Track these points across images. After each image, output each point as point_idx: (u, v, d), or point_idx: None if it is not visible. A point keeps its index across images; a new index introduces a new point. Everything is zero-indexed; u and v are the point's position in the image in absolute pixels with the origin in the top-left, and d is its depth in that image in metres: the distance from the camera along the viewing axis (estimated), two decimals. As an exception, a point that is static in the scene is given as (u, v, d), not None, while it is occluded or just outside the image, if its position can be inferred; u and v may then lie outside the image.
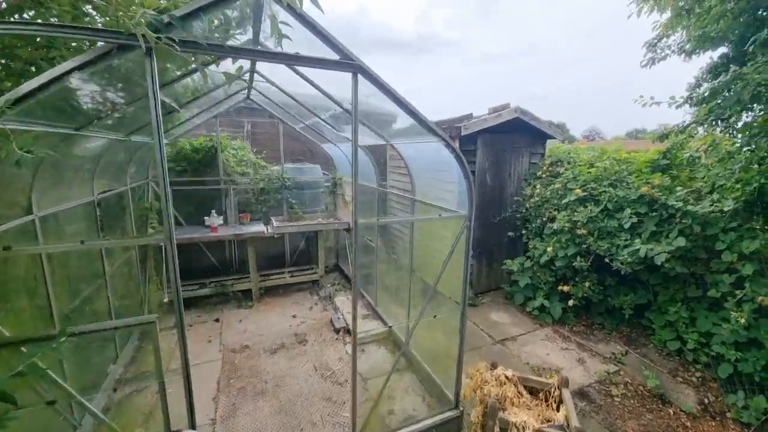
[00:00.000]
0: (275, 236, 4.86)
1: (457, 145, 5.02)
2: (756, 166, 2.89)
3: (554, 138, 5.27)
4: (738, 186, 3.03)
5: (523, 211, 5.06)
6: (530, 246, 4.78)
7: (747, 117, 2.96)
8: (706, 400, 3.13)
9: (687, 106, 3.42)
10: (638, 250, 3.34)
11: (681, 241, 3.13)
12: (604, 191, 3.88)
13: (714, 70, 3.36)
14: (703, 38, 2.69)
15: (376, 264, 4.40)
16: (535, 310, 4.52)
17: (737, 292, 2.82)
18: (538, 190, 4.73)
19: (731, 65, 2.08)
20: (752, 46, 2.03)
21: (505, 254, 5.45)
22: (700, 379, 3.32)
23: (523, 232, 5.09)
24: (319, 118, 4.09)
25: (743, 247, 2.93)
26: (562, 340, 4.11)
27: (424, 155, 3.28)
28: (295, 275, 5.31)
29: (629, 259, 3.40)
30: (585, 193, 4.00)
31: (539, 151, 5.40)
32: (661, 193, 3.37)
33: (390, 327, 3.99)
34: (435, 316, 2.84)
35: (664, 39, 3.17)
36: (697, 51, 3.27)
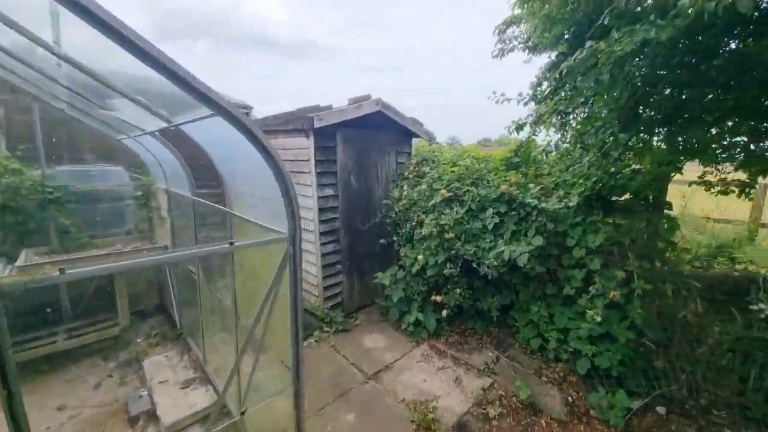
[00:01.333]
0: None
1: (312, 140, 4.20)
2: (595, 159, 2.95)
3: (420, 136, 4.98)
4: (581, 181, 3.05)
5: (393, 215, 4.57)
6: (401, 254, 4.30)
7: (584, 112, 3.02)
8: (570, 399, 3.07)
9: (533, 103, 3.38)
10: (502, 252, 3.10)
11: (539, 240, 2.99)
12: (468, 191, 3.63)
13: (553, 68, 3.44)
14: (549, 20, 2.54)
15: (200, 304, 3.13)
16: (411, 326, 4.04)
17: (590, 288, 2.78)
18: (405, 192, 4.29)
19: (588, 42, 1.84)
20: (606, 18, 1.83)
21: (379, 264, 4.88)
22: (561, 375, 3.30)
23: (395, 238, 4.60)
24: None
25: (589, 242, 2.95)
26: (439, 357, 3.69)
27: (230, 143, 2.26)
28: (76, 335, 3.48)
29: (495, 263, 3.15)
30: (450, 194, 3.69)
31: (406, 150, 5.04)
32: (518, 191, 3.23)
33: (220, 398, 2.81)
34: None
35: (513, 27, 3.05)
36: (541, 48, 3.25)
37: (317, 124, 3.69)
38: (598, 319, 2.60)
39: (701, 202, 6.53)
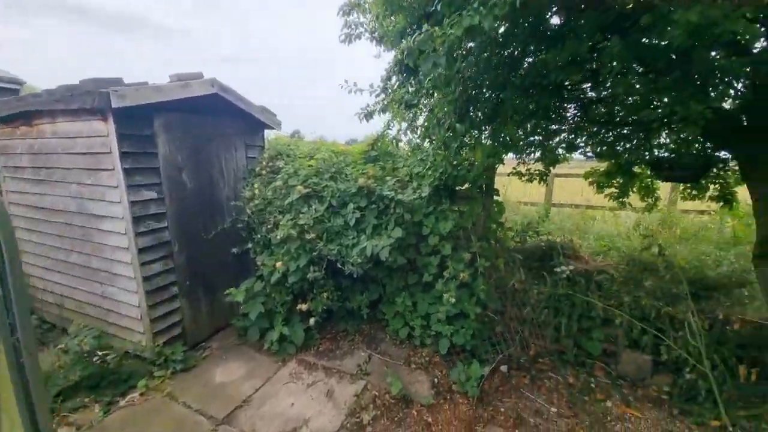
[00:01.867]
0: None
1: (112, 125, 3.02)
2: (440, 151, 3.12)
3: (272, 128, 4.44)
4: (429, 173, 3.19)
5: (246, 218, 3.92)
6: (259, 263, 3.71)
7: (429, 105, 3.16)
8: (435, 380, 3.21)
9: (383, 95, 3.37)
10: (365, 248, 2.96)
11: (398, 232, 2.98)
12: (327, 186, 3.36)
13: (399, 63, 3.51)
14: (389, 4, 2.49)
15: None
16: (275, 344, 3.52)
17: (444, 273, 2.93)
18: (257, 191, 3.71)
19: (425, 26, 1.80)
20: (439, 5, 1.83)
21: (234, 277, 4.12)
22: (428, 359, 3.43)
23: (250, 245, 3.95)
24: None
25: (441, 229, 3.11)
26: (308, 372, 3.33)
27: None
28: None
29: (359, 260, 2.99)
30: (308, 190, 3.35)
31: (258, 143, 4.41)
32: (376, 184, 3.15)
33: None
34: None
35: (357, 13, 2.92)
36: (387, 41, 3.23)
37: (117, 103, 2.72)
38: (453, 300, 2.76)
39: (515, 189, 8.24)
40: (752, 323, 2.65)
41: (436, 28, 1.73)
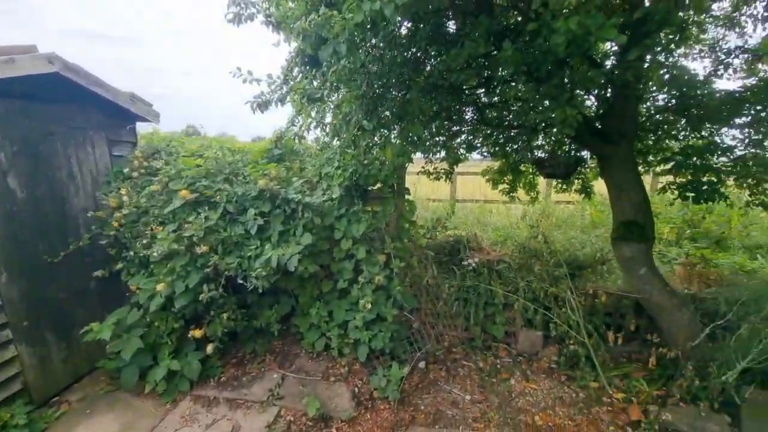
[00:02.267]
0: None
1: None
2: (349, 150, 2.96)
3: (146, 119, 3.66)
4: (339, 172, 3.01)
5: (112, 232, 3.13)
6: (134, 287, 3.01)
7: (336, 101, 2.96)
8: (356, 389, 3.06)
9: (285, 88, 3.05)
10: (270, 258, 2.63)
11: (308, 238, 2.72)
12: (221, 189, 2.88)
13: (300, 53, 3.23)
14: None
15: None
16: (161, 384, 2.90)
17: (360, 278, 2.79)
18: (126, 198, 2.99)
19: (322, 9, 1.60)
20: None
21: (100, 309, 3.29)
22: (347, 369, 3.26)
23: (121, 266, 3.18)
24: None
25: (354, 232, 2.96)
26: (207, 409, 2.83)
27: None
28: None
29: (264, 272, 2.63)
30: (196, 195, 2.82)
31: (127, 138, 3.59)
32: (280, 186, 2.83)
33: None
34: None
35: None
36: (286, 27, 2.91)
37: None
38: (369, 306, 2.64)
39: (424, 187, 8.68)
40: (614, 294, 3.20)
41: (335, 12, 1.56)
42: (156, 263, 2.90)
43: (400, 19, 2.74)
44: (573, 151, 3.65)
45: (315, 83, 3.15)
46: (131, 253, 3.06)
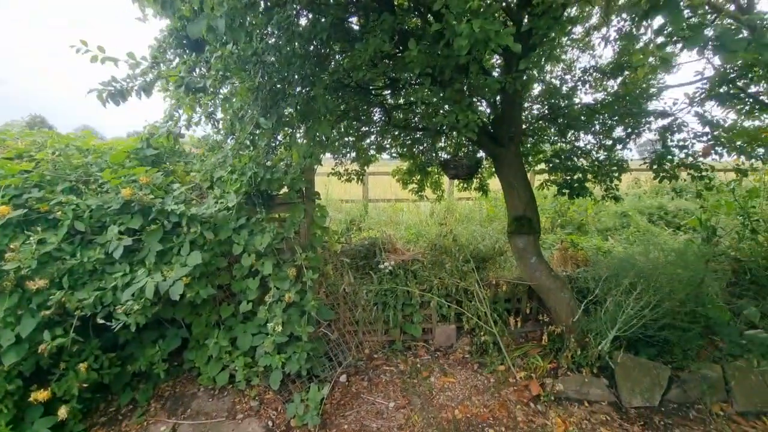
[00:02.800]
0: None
1: None
2: (245, 152, 2.56)
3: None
4: (236, 176, 2.59)
5: None
6: None
7: (227, 88, 2.51)
8: (270, 423, 2.70)
9: (153, 73, 2.47)
10: (144, 287, 2.09)
11: (197, 258, 2.26)
12: (62, 202, 2.16)
13: (176, 34, 2.66)
14: None
15: None
16: (-21, 478, 2.06)
17: (267, 297, 2.43)
18: None
19: None
20: None
21: None
22: (258, 400, 2.86)
23: None
24: None
25: (257, 244, 2.59)
26: (62, 497, 2.12)
27: None
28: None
29: (137, 306, 2.08)
30: (22, 211, 2.06)
31: None
32: (153, 196, 2.27)
33: None
34: None
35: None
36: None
37: None
38: (279, 329, 2.32)
39: (336, 188, 8.46)
40: (511, 283, 3.54)
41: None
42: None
43: (297, 6, 2.47)
44: (471, 153, 3.92)
45: (197, 71, 2.66)
46: None
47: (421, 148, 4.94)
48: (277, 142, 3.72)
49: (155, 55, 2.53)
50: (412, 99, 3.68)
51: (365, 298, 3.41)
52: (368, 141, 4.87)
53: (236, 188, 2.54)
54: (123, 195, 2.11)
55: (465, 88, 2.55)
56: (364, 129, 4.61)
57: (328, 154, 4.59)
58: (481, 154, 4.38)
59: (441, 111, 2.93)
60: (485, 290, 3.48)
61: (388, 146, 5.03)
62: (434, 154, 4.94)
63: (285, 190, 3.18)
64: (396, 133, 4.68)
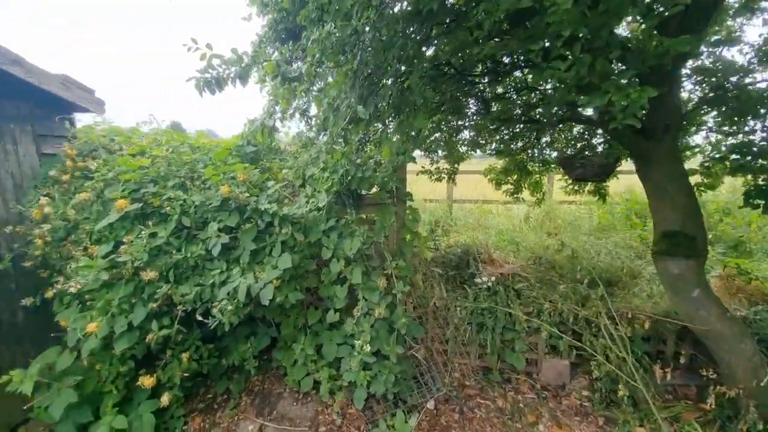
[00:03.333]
0: None
1: None
2: (338, 147, 2.34)
3: (87, 110, 2.98)
4: (327, 175, 2.40)
5: (39, 252, 2.46)
6: (63, 323, 2.34)
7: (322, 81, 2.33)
8: (351, 442, 2.48)
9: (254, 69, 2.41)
10: (237, 288, 2.01)
11: (287, 261, 2.12)
12: (172, 198, 2.23)
13: (275, 24, 2.60)
14: None
15: None
16: (100, 448, 2.25)
17: (355, 311, 2.19)
18: (49, 208, 2.32)
19: None
20: None
21: (33, 346, 2.63)
22: (341, 416, 2.67)
23: (52, 294, 2.50)
24: None
25: (347, 249, 2.36)
26: (161, 483, 2.20)
27: None
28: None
29: (230, 306, 2.01)
30: (139, 204, 2.16)
31: (60, 133, 2.89)
32: (249, 194, 2.20)
33: None
34: None
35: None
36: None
37: None
38: (368, 348, 2.04)
39: (420, 187, 8.12)
40: (654, 318, 2.70)
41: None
42: (95, 290, 2.24)
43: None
44: (608, 149, 3.12)
45: (295, 66, 2.54)
46: (61, 278, 2.39)
47: (520, 144, 4.27)
48: (368, 138, 3.51)
49: (256, 49, 2.48)
50: (538, 81, 3.07)
51: (458, 316, 2.97)
52: (461, 136, 4.39)
53: (327, 187, 2.35)
54: (221, 193, 2.08)
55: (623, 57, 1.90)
56: (457, 123, 4.15)
57: (417, 151, 4.26)
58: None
59: (574, 93, 2.29)
60: (620, 325, 2.72)
61: (482, 142, 4.46)
62: (536, 151, 4.23)
63: (375, 189, 2.93)
64: (493, 126, 4.10)
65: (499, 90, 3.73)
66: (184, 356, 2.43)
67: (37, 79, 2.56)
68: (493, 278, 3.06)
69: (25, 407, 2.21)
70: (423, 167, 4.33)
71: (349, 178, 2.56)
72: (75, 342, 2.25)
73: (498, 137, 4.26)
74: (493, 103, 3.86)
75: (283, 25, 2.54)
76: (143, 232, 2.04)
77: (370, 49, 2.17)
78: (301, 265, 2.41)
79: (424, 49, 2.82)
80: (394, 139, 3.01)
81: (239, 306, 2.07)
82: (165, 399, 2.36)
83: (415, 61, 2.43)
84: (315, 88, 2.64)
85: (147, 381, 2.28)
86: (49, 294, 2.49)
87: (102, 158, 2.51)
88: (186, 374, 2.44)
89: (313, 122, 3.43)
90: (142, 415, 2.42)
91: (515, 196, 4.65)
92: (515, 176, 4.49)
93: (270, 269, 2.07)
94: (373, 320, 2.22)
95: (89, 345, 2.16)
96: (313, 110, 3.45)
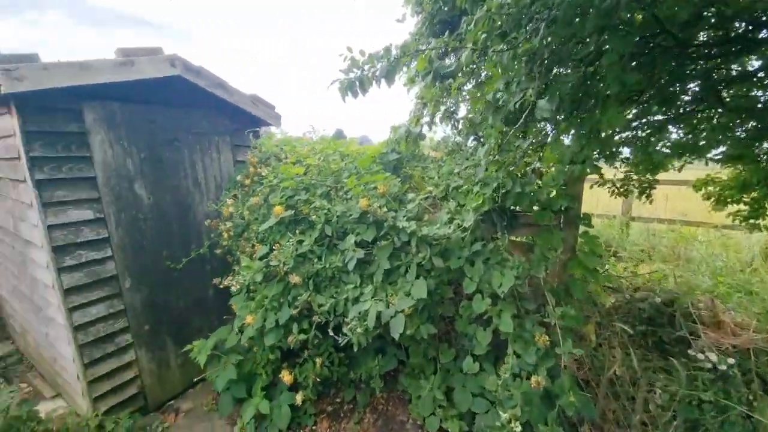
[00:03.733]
0: None
1: (15, 119, 1.66)
2: (494, 155, 1.88)
3: (268, 123, 3.47)
4: (477, 189, 1.96)
5: (224, 243, 2.96)
6: (234, 308, 2.73)
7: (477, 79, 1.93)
8: None
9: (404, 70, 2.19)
10: (367, 312, 1.83)
11: (422, 289, 1.81)
12: (318, 207, 2.26)
13: (431, 20, 2.34)
14: None
15: None
16: (249, 426, 2.51)
17: (502, 371, 1.69)
18: (232, 208, 2.73)
19: None
20: None
21: (218, 318, 3.24)
22: (467, 478, 2.21)
23: (232, 280, 2.98)
24: None
25: (494, 284, 1.87)
26: (288, 481, 2.28)
27: None
28: None
29: (359, 329, 1.85)
30: (290, 212, 2.27)
31: (248, 144, 3.45)
32: (387, 209, 1.99)
33: None
34: None
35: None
36: None
37: (12, 87, 1.84)
38: (518, 429, 1.51)
39: (585, 198, 6.62)
40: None
41: None
42: (257, 283, 2.51)
43: None
44: None
45: (448, 62, 2.19)
46: (237, 268, 2.81)
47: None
48: (529, 142, 2.88)
49: (406, 44, 2.26)
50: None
51: (654, 400, 2.03)
52: (664, 135, 3.16)
53: (477, 204, 1.91)
54: (360, 206, 1.95)
55: None
56: (663, 117, 2.99)
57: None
58: None
59: None
60: None
61: (703, 143, 3.10)
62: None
63: (535, 207, 2.31)
64: (722, 121, 2.79)
65: (734, 68, 2.49)
66: (318, 361, 2.47)
67: (235, 98, 3.09)
68: (729, 362, 1.95)
69: (202, 370, 2.67)
70: (602, 177, 3.33)
71: (504, 192, 2.05)
72: (240, 326, 2.59)
73: (730, 136, 2.88)
74: (726, 88, 2.60)
75: (438, 17, 2.25)
76: (291, 239, 2.11)
77: (553, 21, 1.61)
78: (438, 291, 2.07)
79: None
80: (566, 143, 2.30)
81: (368, 329, 1.89)
82: (299, 398, 2.45)
83: (621, 28, 1.71)
84: (468, 87, 2.25)
85: (287, 377, 2.40)
86: (227, 282, 2.96)
87: (272, 165, 2.83)
88: (318, 379, 2.48)
89: (460, 125, 3.05)
90: (281, 405, 2.60)
91: (752, 221, 3.09)
92: (756, 193, 2.99)
93: (403, 296, 1.81)
94: (528, 387, 1.67)
95: (247, 333, 2.42)
96: (462, 112, 3.05)
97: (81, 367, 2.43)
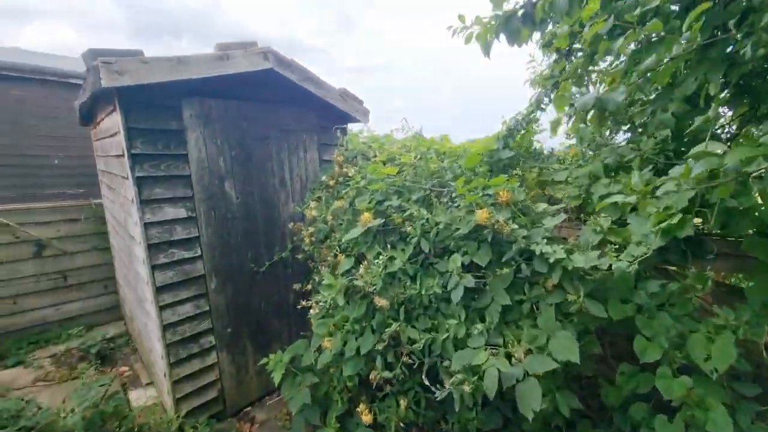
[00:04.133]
0: None
1: (120, 116, 1.43)
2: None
3: (356, 119, 3.18)
4: (668, 204, 1.28)
5: (306, 248, 2.74)
6: (313, 323, 2.46)
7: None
8: None
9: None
10: (480, 368, 1.31)
11: (571, 348, 1.22)
12: (414, 216, 1.80)
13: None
14: None
15: None
16: (321, 461, 2.20)
17: None
18: (315, 211, 2.47)
19: None
20: None
21: (297, 324, 3.08)
22: None
23: (310, 288, 2.75)
24: None
25: (694, 355, 1.17)
26: None
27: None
28: None
29: (467, 388, 1.35)
30: (380, 221, 1.87)
31: (335, 142, 3.21)
32: (512, 224, 1.43)
33: None
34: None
35: None
36: None
37: (114, 82, 1.81)
38: None
39: None
40: None
41: None
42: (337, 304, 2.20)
43: None
44: None
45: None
46: (317, 278, 2.55)
47: None
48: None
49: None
50: None
51: None
52: None
53: (670, 224, 1.23)
54: (476, 218, 1.43)
55: None
56: None
57: None
58: None
59: None
60: None
61: None
62: None
63: (750, 231, 1.50)
64: None
65: None
66: (402, 402, 2.03)
67: (324, 93, 2.86)
68: None
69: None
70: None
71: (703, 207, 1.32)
72: (317, 345, 2.30)
73: None
74: None
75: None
76: (381, 256, 1.71)
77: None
78: (580, 344, 1.44)
79: None
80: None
81: (479, 388, 1.37)
82: (377, 443, 2.04)
83: None
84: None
85: (366, 417, 2.02)
86: (305, 303, 2.68)
87: (359, 165, 2.50)
88: (402, 424, 2.05)
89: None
90: (355, 446, 2.23)
91: None
92: None
93: (537, 354, 1.24)
94: None
95: (324, 358, 2.10)
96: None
97: (167, 366, 2.42)
